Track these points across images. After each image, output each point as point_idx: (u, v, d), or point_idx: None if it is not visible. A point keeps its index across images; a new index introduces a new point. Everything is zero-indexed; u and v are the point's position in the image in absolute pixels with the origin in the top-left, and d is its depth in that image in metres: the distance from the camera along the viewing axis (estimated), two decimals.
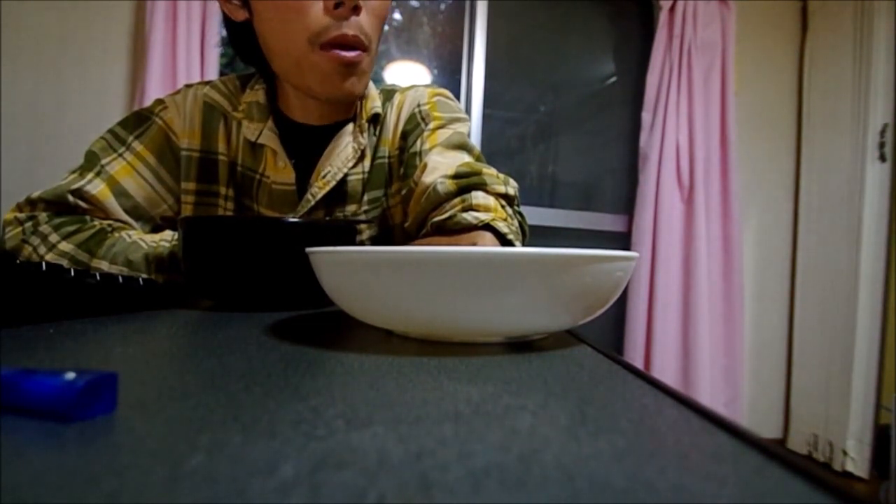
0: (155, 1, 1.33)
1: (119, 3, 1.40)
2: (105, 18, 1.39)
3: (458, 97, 1.76)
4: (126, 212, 0.60)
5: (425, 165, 0.56)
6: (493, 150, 1.79)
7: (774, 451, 0.14)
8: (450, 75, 1.78)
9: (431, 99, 0.66)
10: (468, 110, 1.73)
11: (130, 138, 0.61)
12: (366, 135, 0.64)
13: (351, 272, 0.28)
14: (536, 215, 1.77)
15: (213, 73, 1.39)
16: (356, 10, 0.53)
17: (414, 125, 0.64)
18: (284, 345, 0.28)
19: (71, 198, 0.57)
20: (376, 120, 0.65)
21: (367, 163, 0.65)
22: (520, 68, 1.84)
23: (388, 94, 0.68)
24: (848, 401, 1.71)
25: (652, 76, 1.76)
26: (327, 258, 0.29)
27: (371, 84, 0.66)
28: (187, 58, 1.35)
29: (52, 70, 1.35)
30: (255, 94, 0.63)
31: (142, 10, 1.38)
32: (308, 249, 0.31)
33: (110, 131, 0.62)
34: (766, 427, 1.92)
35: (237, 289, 0.45)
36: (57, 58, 1.35)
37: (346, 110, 0.65)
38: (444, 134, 0.61)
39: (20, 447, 0.12)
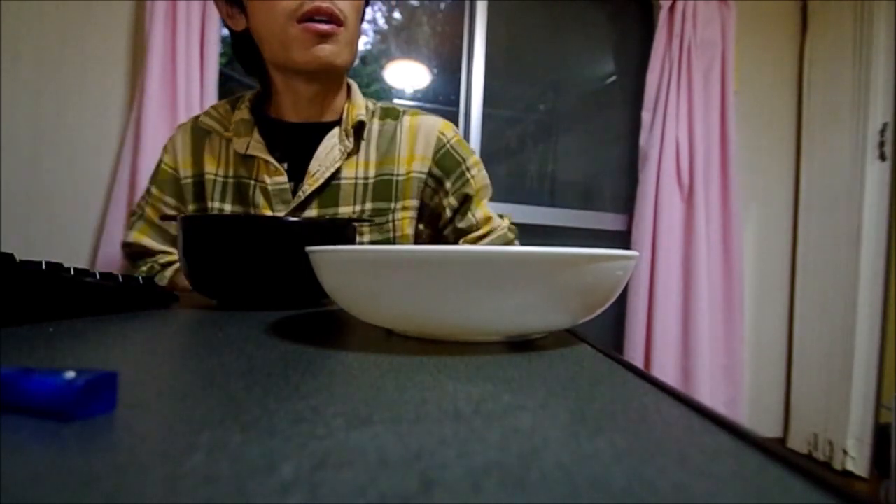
0: (155, 1, 1.33)
1: (119, 3, 1.40)
2: (105, 18, 1.39)
3: (457, 96, 1.77)
4: (164, 242, 0.72)
5: (490, 218, 0.74)
6: (493, 149, 1.79)
7: (775, 451, 0.14)
8: (449, 74, 1.78)
9: (455, 135, 0.75)
10: (468, 109, 1.73)
11: (151, 186, 0.73)
12: (351, 139, 0.70)
13: (351, 271, 0.28)
14: (536, 214, 1.77)
15: (212, 73, 1.39)
16: None
17: (453, 163, 0.73)
18: (284, 344, 0.28)
19: (124, 250, 0.73)
20: (361, 127, 0.71)
21: (363, 170, 0.70)
22: (519, 67, 1.84)
23: (391, 112, 0.75)
24: (848, 400, 1.71)
25: (652, 75, 1.76)
26: (327, 257, 0.29)
27: (358, 93, 0.73)
28: (187, 58, 1.35)
29: (53, 69, 1.35)
30: (241, 113, 0.70)
31: (142, 10, 1.38)
32: (308, 248, 0.31)
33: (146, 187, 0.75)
34: (767, 426, 1.92)
35: (237, 287, 0.45)
36: (57, 57, 1.35)
37: (333, 112, 0.72)
38: (482, 179, 0.75)
39: (20, 446, 0.12)
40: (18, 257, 0.32)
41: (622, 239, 1.85)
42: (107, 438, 0.13)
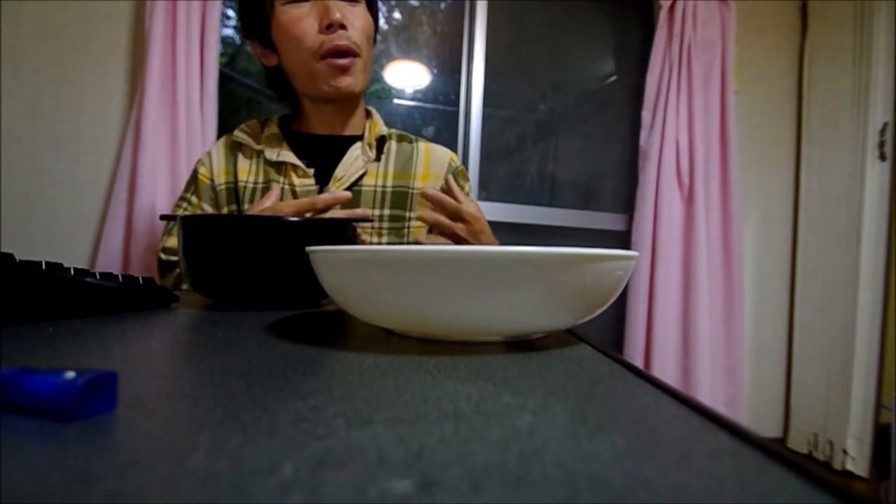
0: (155, 1, 1.33)
1: (119, 2, 1.40)
2: (105, 18, 1.39)
3: (457, 96, 1.77)
4: None
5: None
6: (492, 149, 1.78)
7: (774, 450, 0.14)
8: (449, 74, 1.78)
9: (460, 164, 0.88)
10: (468, 109, 1.73)
11: (188, 195, 0.81)
12: (373, 151, 0.81)
13: (351, 271, 0.28)
14: (536, 214, 1.77)
15: (212, 73, 1.39)
16: (343, 27, 0.71)
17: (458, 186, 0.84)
18: (284, 344, 0.28)
19: (163, 255, 0.77)
20: (382, 141, 0.82)
21: (382, 180, 0.80)
22: (519, 67, 1.84)
23: (406, 137, 0.86)
24: (848, 400, 1.71)
25: (652, 75, 1.76)
26: (327, 257, 0.29)
27: (379, 117, 0.85)
28: (187, 58, 1.35)
29: (52, 69, 1.35)
30: (271, 129, 0.81)
31: (142, 10, 1.38)
32: (308, 248, 0.31)
33: (180, 196, 0.82)
34: (766, 426, 1.92)
35: (237, 287, 0.45)
36: (57, 58, 1.35)
37: (352, 127, 0.82)
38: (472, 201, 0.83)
39: (20, 446, 0.12)
40: (18, 257, 0.32)
41: (622, 239, 1.85)
42: (107, 438, 0.13)
